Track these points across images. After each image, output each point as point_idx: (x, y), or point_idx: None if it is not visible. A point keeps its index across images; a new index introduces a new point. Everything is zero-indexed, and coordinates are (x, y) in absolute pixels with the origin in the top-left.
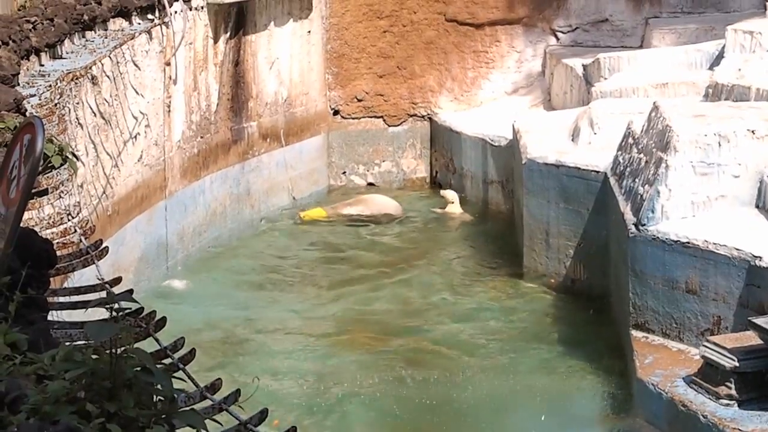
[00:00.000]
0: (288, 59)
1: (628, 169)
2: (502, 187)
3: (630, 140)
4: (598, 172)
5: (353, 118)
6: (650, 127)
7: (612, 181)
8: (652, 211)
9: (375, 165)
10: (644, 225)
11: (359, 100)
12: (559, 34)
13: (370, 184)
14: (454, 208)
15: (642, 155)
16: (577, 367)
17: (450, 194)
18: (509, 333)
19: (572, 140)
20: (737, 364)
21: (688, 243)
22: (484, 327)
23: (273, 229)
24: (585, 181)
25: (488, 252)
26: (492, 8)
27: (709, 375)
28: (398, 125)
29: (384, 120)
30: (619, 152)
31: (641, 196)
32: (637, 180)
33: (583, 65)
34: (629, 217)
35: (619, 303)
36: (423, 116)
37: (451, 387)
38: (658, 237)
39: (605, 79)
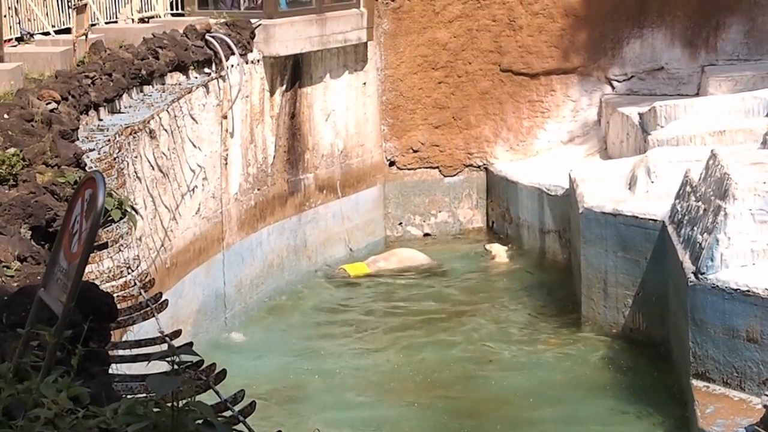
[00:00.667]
0: (344, 111)
1: (687, 217)
2: (559, 237)
3: (688, 188)
4: (655, 220)
5: (409, 169)
6: (708, 175)
7: (670, 229)
8: (711, 260)
9: (431, 215)
10: (703, 273)
11: (415, 151)
12: (615, 83)
13: (427, 234)
14: (501, 259)
15: (700, 203)
16: (637, 416)
17: (495, 247)
18: (568, 383)
19: (629, 189)
20: None
21: (749, 291)
22: (543, 377)
23: (329, 281)
24: (643, 230)
25: (546, 302)
26: (547, 58)
27: None
28: (454, 175)
29: (440, 170)
30: (677, 200)
31: (700, 244)
32: (695, 228)
33: (639, 113)
34: (688, 265)
35: (679, 352)
36: (479, 166)
37: None
38: (717, 285)
39: (662, 127)
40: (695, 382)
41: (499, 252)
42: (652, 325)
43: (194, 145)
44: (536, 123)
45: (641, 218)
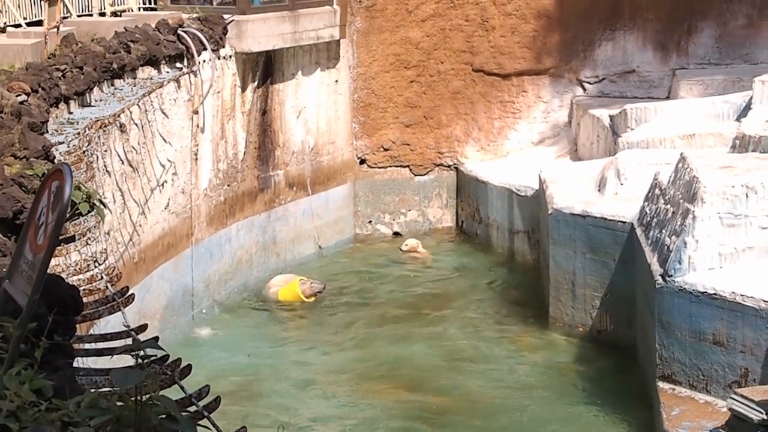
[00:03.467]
0: (315, 108)
1: (655, 219)
2: (528, 237)
3: (657, 191)
4: (624, 222)
5: (380, 167)
6: (677, 178)
7: (638, 231)
8: (679, 262)
9: (401, 214)
10: (671, 276)
11: (386, 150)
12: (586, 85)
13: (396, 233)
14: (419, 251)
15: (669, 206)
16: (603, 417)
17: (411, 242)
18: (535, 383)
19: (599, 191)
20: (765, 417)
21: (716, 294)
22: (510, 377)
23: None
24: (611, 232)
25: (514, 302)
26: (519, 59)
27: (736, 427)
28: (424, 174)
29: (410, 169)
30: (646, 203)
31: (668, 247)
32: (663, 231)
33: (609, 116)
34: (656, 267)
35: (646, 354)
36: (449, 166)
37: None
38: (684, 288)
39: (632, 129)
40: (661, 384)
41: (417, 243)
42: (620, 326)
43: (164, 140)
44: (507, 123)
45: (610, 220)
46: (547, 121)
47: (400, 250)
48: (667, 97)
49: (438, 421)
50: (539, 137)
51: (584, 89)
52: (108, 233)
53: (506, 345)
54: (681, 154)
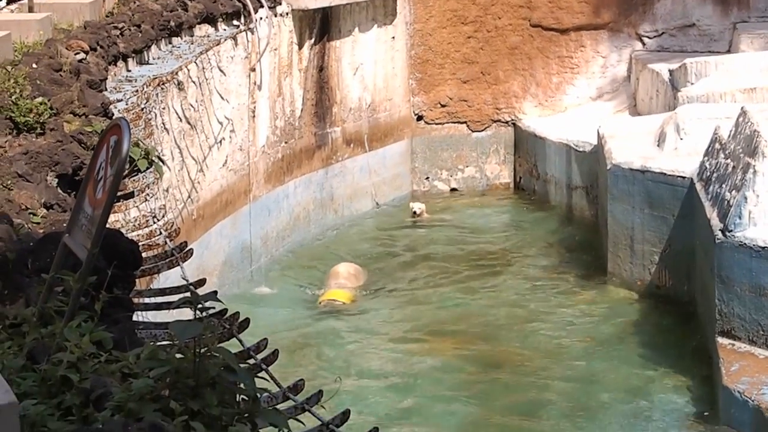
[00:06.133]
0: (372, 65)
1: (715, 174)
2: (586, 193)
3: (717, 146)
4: (684, 177)
5: (437, 124)
6: (738, 133)
7: (698, 186)
8: (740, 217)
9: (458, 170)
10: (731, 231)
11: (443, 106)
12: (645, 39)
13: (453, 189)
14: (424, 216)
15: (729, 161)
16: (661, 373)
17: (417, 206)
18: (593, 338)
19: (658, 146)
20: None
21: None
22: (569, 332)
23: (356, 235)
24: (671, 187)
25: (572, 257)
26: (577, 13)
27: None
28: (482, 131)
29: (468, 125)
30: (706, 158)
31: (728, 201)
32: (724, 186)
33: (669, 70)
34: (716, 223)
35: (705, 309)
36: (507, 122)
37: (535, 391)
38: (745, 243)
39: (692, 84)
40: (721, 340)
41: (421, 207)
42: (679, 282)
43: (222, 98)
44: (565, 79)
45: (669, 175)
46: (606, 76)
47: (414, 214)
48: (728, 51)
49: (496, 375)
50: (597, 92)
51: (643, 44)
52: (167, 190)
53: (564, 300)
54: (741, 108)
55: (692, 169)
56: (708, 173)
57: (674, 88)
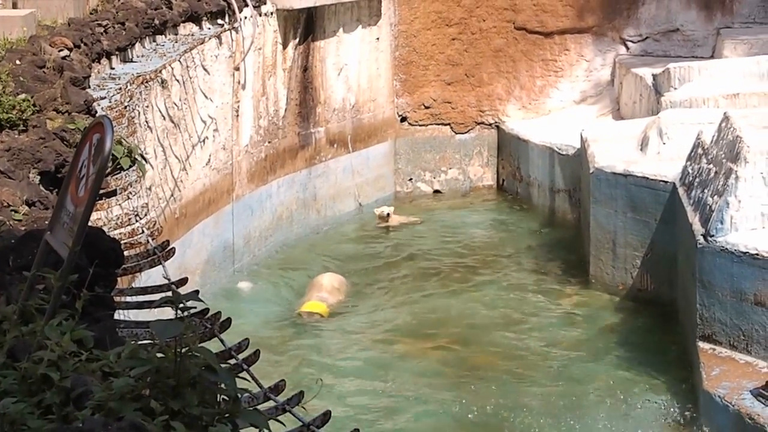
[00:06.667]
0: (356, 65)
1: (698, 179)
2: (569, 196)
3: (699, 150)
4: (666, 182)
5: (420, 125)
6: (720, 138)
7: (681, 191)
8: (721, 222)
9: (442, 172)
10: (713, 236)
11: (427, 107)
12: (629, 44)
13: (437, 191)
14: (393, 220)
15: (711, 166)
16: (642, 377)
17: (383, 210)
18: (574, 341)
19: (641, 150)
20: None
21: (758, 254)
22: (549, 335)
23: (339, 235)
24: (653, 191)
25: (554, 260)
26: (561, 17)
27: None
28: (465, 133)
29: (451, 127)
30: (689, 162)
31: (710, 206)
32: (706, 190)
33: (652, 75)
34: (698, 227)
35: (686, 313)
36: (490, 124)
37: (515, 394)
38: (726, 248)
39: (675, 89)
40: (701, 344)
41: (388, 211)
42: (660, 286)
43: (206, 96)
44: (549, 82)
45: (652, 179)
46: (590, 80)
47: (382, 218)
48: (711, 57)
49: (477, 377)
50: (581, 96)
51: (627, 48)
52: (149, 188)
53: (546, 303)
54: (724, 113)
55: (675, 173)
56: (690, 178)
57: (657, 93)
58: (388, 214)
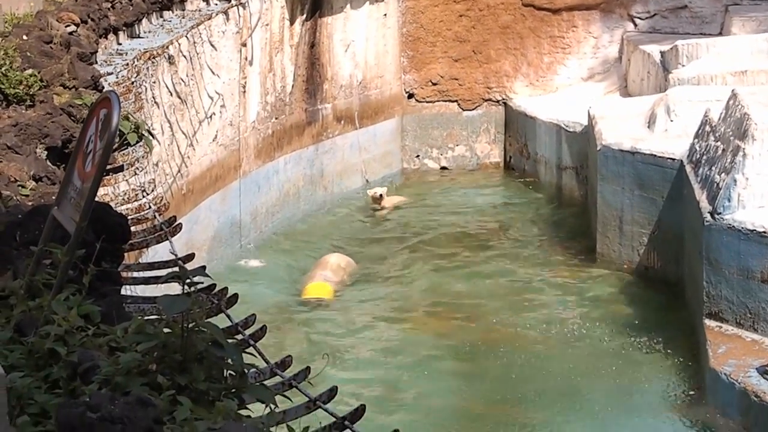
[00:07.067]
0: (363, 42)
1: (705, 157)
2: (576, 173)
3: (707, 128)
4: (674, 159)
5: (428, 102)
6: (728, 115)
7: (688, 168)
8: (728, 200)
9: (449, 149)
10: (720, 214)
11: (434, 84)
12: (637, 20)
13: (444, 167)
14: (388, 201)
15: (719, 143)
16: (648, 354)
17: (375, 191)
18: (580, 318)
19: (648, 127)
20: None
21: (765, 232)
22: (556, 312)
23: (347, 212)
24: (660, 169)
25: (561, 237)
26: None
27: None
28: (473, 109)
29: (458, 104)
30: (696, 140)
31: (717, 184)
32: (713, 168)
33: (660, 52)
34: (705, 205)
35: (693, 291)
36: (498, 101)
37: (522, 371)
38: (733, 226)
39: (683, 66)
40: (708, 322)
41: (381, 191)
42: (667, 263)
43: (213, 72)
44: (557, 59)
45: (659, 157)
46: (597, 57)
47: (375, 199)
48: (719, 34)
49: (484, 354)
50: (589, 73)
51: (635, 25)
52: (156, 164)
53: (552, 280)
54: (732, 90)
55: (682, 151)
56: (698, 155)
57: (665, 70)
58: (381, 195)
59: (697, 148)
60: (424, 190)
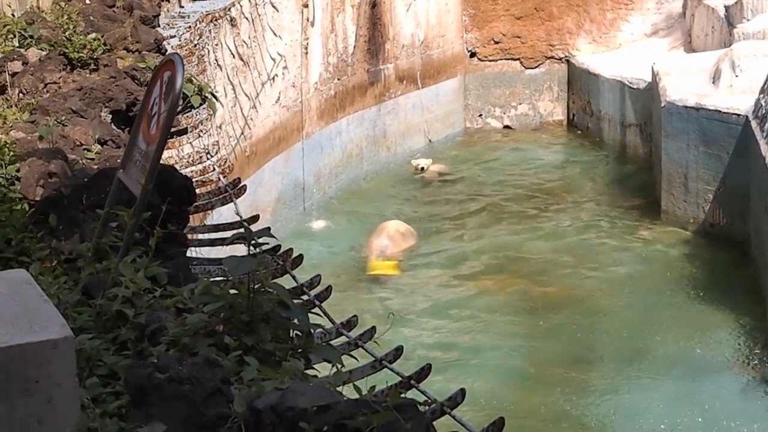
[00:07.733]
0: (425, 1)
1: None
2: (640, 131)
3: None
4: (739, 115)
5: (490, 61)
6: None
7: (753, 124)
8: None
9: (511, 108)
10: None
11: (496, 42)
12: None
13: (506, 126)
14: (429, 172)
15: None
16: (714, 311)
17: (418, 163)
18: (645, 276)
19: (713, 83)
20: None
21: None
22: (620, 270)
23: (409, 172)
24: (726, 125)
25: (625, 195)
26: None
27: None
28: (535, 67)
29: (521, 62)
30: (761, 95)
31: None
32: None
33: (725, 6)
34: None
35: (759, 248)
36: (560, 58)
37: (588, 330)
38: None
39: (748, 20)
40: None
41: (425, 163)
42: (733, 220)
43: (275, 34)
44: (620, 15)
45: (724, 112)
46: (661, 13)
47: (418, 170)
48: None
49: (548, 314)
50: (652, 29)
51: None
52: (220, 126)
53: (617, 238)
54: None
55: (747, 106)
56: (763, 111)
57: (730, 25)
58: (423, 168)
59: (763, 104)
60: (488, 150)
